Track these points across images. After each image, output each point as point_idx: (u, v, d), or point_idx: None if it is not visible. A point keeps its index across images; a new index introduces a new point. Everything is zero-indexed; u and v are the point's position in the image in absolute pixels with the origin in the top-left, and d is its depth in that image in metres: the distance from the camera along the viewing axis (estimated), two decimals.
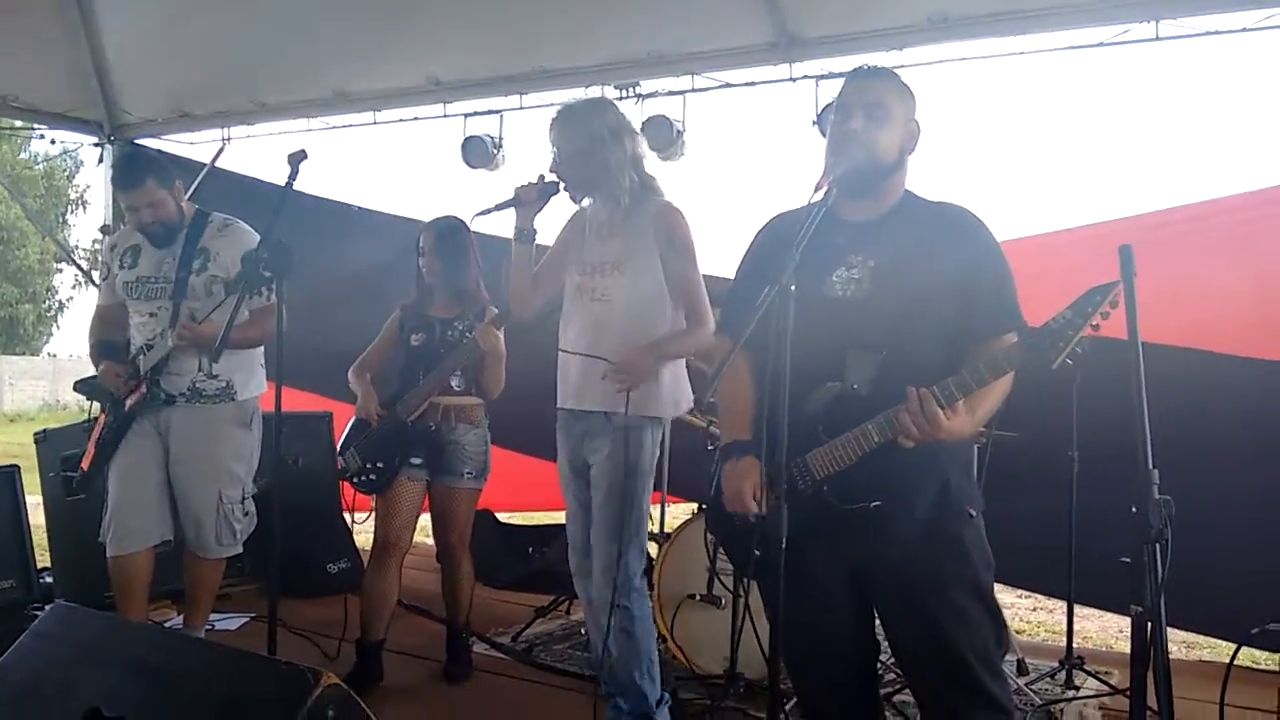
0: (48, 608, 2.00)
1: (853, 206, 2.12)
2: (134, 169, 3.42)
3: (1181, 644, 4.65)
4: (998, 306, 1.99)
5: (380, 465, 3.53)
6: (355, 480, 3.62)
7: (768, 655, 2.00)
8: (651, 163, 4.77)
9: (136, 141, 6.22)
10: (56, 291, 29.84)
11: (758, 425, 2.09)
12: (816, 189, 2.12)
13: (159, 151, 5.65)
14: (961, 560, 2.02)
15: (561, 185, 2.91)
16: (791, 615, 2.07)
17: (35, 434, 4.36)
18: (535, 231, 2.95)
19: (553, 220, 3.08)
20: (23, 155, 26.89)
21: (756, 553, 1.94)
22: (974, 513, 2.07)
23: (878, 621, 2.21)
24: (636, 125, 4.67)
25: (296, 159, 2.68)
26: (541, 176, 2.91)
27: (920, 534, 2.00)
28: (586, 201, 2.98)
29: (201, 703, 1.71)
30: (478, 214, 2.96)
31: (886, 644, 2.23)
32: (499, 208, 2.94)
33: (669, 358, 2.89)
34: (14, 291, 28.24)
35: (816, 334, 1.97)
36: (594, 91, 4.84)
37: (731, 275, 2.31)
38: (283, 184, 2.70)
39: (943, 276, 2.00)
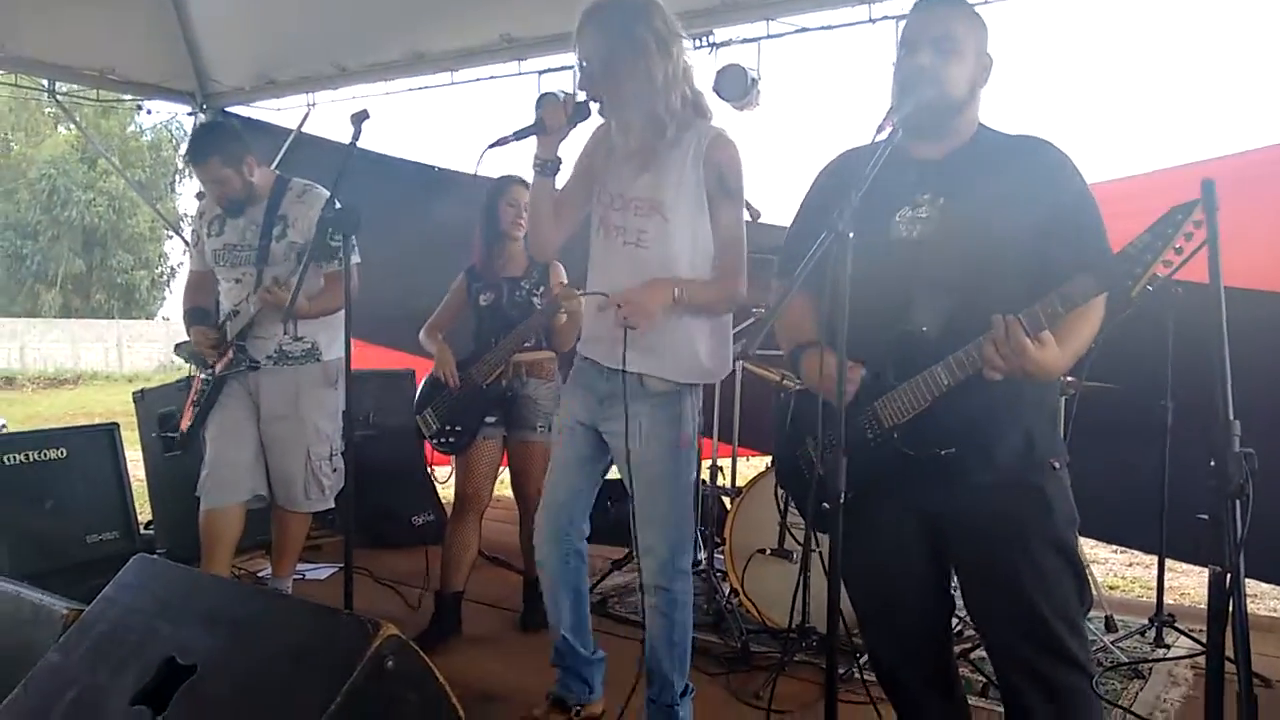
0: (130, 560, 2.08)
1: (923, 144, 2.02)
2: (200, 146, 3.49)
3: None
4: (1084, 246, 1.83)
5: (459, 429, 3.59)
6: (435, 442, 3.68)
7: (830, 610, 1.98)
8: (727, 113, 4.76)
9: (227, 109, 6.41)
10: (168, 257, 31.14)
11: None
12: (879, 130, 2.05)
13: (233, 125, 5.81)
14: (1044, 514, 1.93)
15: (595, 106, 2.46)
16: (862, 569, 2.04)
17: (134, 393, 4.57)
18: (560, 161, 2.53)
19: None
20: (131, 128, 28.03)
21: (825, 506, 1.88)
22: (1058, 464, 1.97)
23: (954, 579, 2.15)
24: (710, 74, 4.64)
25: (359, 119, 2.69)
26: (570, 96, 2.48)
27: (1000, 485, 1.91)
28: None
29: (268, 652, 1.77)
30: (493, 144, 2.49)
31: (961, 601, 2.19)
32: (519, 136, 2.49)
33: (694, 303, 2.45)
34: (128, 259, 29.56)
35: (882, 277, 1.91)
36: None
37: None
38: (358, 145, 2.72)
39: (1022, 214, 1.88)
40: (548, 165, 2.52)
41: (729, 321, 2.65)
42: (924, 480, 1.94)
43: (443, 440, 3.63)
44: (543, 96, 5.02)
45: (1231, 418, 1.56)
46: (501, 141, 2.50)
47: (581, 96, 2.47)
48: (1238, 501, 1.53)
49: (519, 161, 2.84)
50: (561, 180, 2.60)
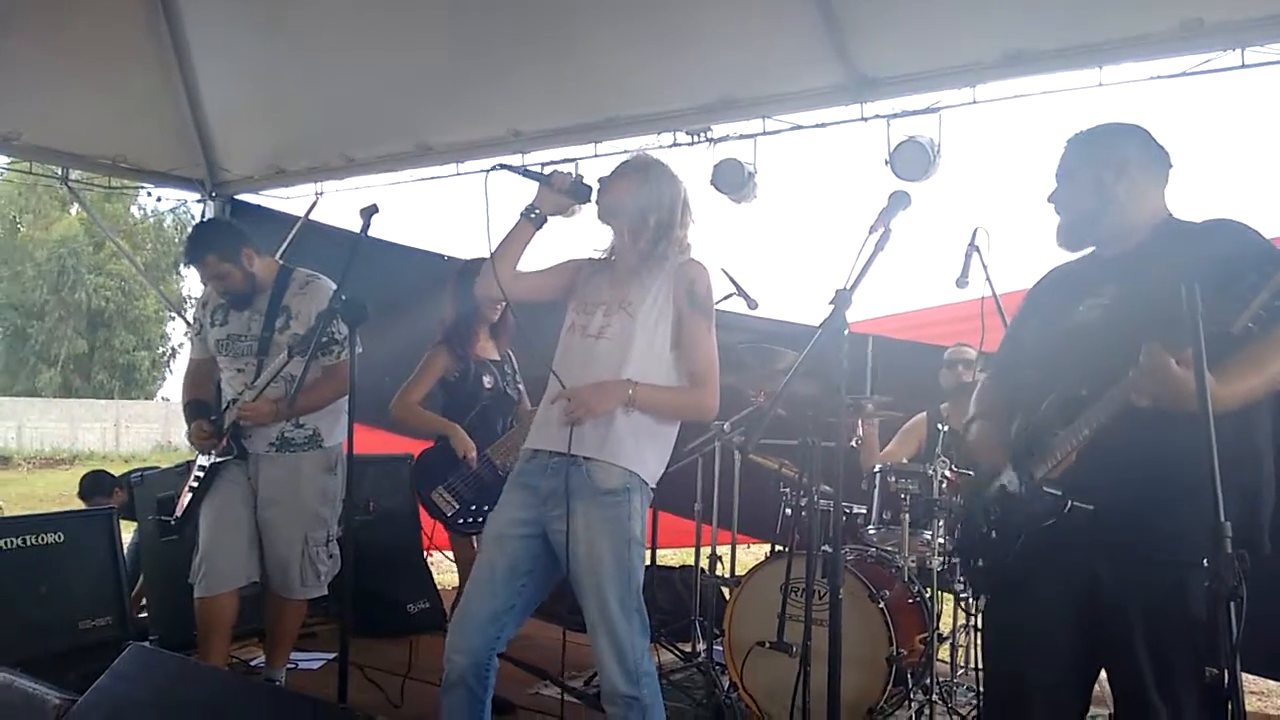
0: (125, 649, 2.08)
1: (1105, 247, 2.16)
2: (194, 247, 3.57)
3: None
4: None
5: (487, 508, 3.29)
6: (459, 522, 3.69)
7: (831, 705, 1.95)
8: (724, 205, 4.87)
9: (236, 197, 6.54)
10: (169, 338, 31.33)
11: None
12: (871, 231, 2.19)
13: (227, 220, 5.96)
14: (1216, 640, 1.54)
15: (594, 196, 2.64)
16: (1005, 643, 2.14)
17: (132, 477, 4.56)
18: (545, 219, 2.67)
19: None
20: (134, 210, 28.47)
21: (991, 533, 2.14)
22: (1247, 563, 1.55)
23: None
24: (708, 168, 4.78)
25: (368, 212, 2.76)
26: (581, 176, 2.69)
27: (1171, 580, 1.83)
28: (601, 245, 2.72)
29: None
30: (500, 164, 2.72)
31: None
32: (525, 174, 2.72)
33: (648, 406, 2.52)
34: (131, 339, 29.76)
35: (1061, 357, 2.10)
36: (665, 138, 4.92)
37: (799, 319, 2.36)
38: (365, 234, 2.79)
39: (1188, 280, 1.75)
40: (535, 214, 2.66)
41: (673, 434, 2.66)
42: (1078, 550, 1.96)
43: (467, 520, 3.67)
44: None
45: (1223, 519, 1.57)
46: (510, 167, 2.74)
47: (591, 183, 2.66)
48: (1232, 604, 1.54)
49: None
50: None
